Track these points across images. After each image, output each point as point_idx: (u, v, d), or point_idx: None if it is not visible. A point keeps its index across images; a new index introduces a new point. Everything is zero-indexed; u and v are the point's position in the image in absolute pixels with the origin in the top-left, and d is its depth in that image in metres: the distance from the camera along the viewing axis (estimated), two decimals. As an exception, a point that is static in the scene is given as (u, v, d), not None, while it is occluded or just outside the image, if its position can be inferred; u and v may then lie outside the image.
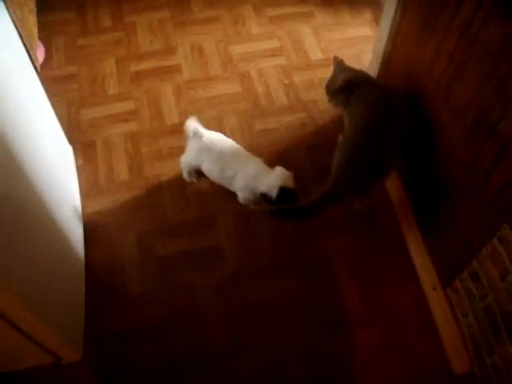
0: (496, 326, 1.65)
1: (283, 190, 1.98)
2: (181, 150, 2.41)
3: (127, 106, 2.63)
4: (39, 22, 2.87)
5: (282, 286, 2.09)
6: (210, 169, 2.16)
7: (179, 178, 2.36)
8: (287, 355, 1.94)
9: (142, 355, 1.94)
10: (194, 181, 2.33)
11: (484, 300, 1.71)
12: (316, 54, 2.80)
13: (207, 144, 2.13)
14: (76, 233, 2.12)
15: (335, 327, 2.01)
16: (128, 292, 2.08)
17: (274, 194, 1.98)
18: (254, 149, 2.39)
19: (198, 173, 2.30)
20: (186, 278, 2.11)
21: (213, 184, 2.30)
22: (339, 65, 2.17)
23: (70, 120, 2.58)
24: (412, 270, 2.12)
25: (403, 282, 2.11)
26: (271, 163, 2.27)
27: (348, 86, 2.05)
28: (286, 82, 2.69)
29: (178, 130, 2.50)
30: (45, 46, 2.86)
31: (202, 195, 2.32)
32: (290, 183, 2.01)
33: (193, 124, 2.17)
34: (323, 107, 2.56)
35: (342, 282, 2.10)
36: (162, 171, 2.39)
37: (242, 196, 2.17)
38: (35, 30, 2.75)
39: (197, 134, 2.14)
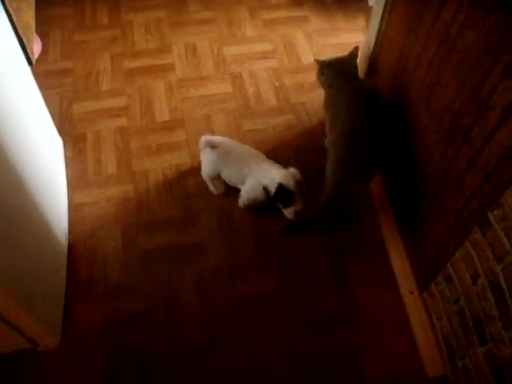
0: (467, 328, 1.67)
1: (280, 188, 1.99)
2: (170, 146, 2.48)
3: (119, 101, 2.66)
4: (38, 17, 2.91)
5: (262, 283, 2.12)
6: (230, 172, 2.17)
7: (166, 174, 2.39)
8: (268, 351, 1.97)
9: (120, 346, 1.97)
10: (222, 192, 2.32)
11: (457, 303, 1.73)
12: (308, 58, 2.83)
13: (223, 150, 2.14)
14: (61, 223, 2.15)
15: (312, 327, 2.02)
16: (109, 283, 2.11)
17: (272, 189, 2.00)
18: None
19: (191, 172, 2.37)
20: (168, 273, 2.13)
21: (198, 181, 2.34)
22: (351, 52, 2.17)
23: (62, 113, 2.61)
24: (391, 274, 2.14)
25: (382, 285, 2.12)
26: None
27: (322, 67, 2.14)
28: (276, 84, 2.73)
29: (168, 126, 2.55)
30: (42, 40, 2.91)
31: (187, 192, 2.34)
32: (290, 183, 1.99)
33: (205, 138, 2.18)
34: (312, 110, 2.59)
35: (322, 283, 2.12)
36: (150, 167, 2.42)
37: (246, 196, 2.18)
38: (33, 24, 2.78)
39: (210, 144, 2.14)
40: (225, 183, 2.28)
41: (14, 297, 1.59)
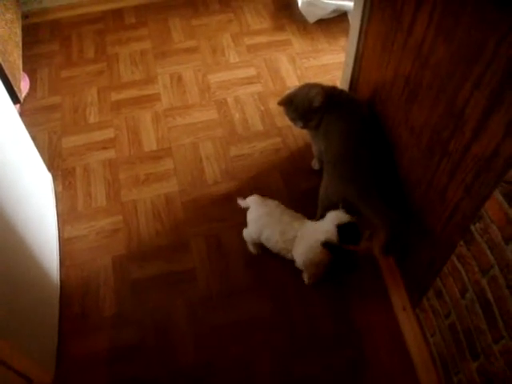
0: (459, 343, 1.65)
1: (340, 228, 1.87)
2: (158, 175, 2.49)
3: (107, 133, 2.69)
4: (25, 55, 2.96)
5: (254, 307, 2.11)
6: (270, 235, 2.06)
7: (155, 203, 2.40)
8: (262, 375, 1.95)
9: (114, 378, 1.95)
10: (260, 252, 2.22)
11: (448, 318, 1.72)
12: (292, 81, 2.86)
13: (266, 210, 2.06)
14: (52, 257, 2.16)
15: (307, 349, 2.01)
16: (102, 315, 2.10)
17: (334, 237, 1.88)
18: (229, 174, 2.46)
19: (179, 200, 2.35)
20: (160, 301, 2.13)
21: (187, 209, 2.36)
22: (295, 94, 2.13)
23: (52, 148, 2.64)
24: (383, 291, 2.13)
25: (374, 303, 2.12)
26: (246, 188, 2.33)
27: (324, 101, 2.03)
28: (262, 108, 2.75)
29: (156, 156, 2.57)
30: (30, 78, 2.94)
31: (176, 220, 2.35)
32: (345, 218, 1.89)
33: (250, 198, 2.11)
34: (298, 132, 2.60)
35: (313, 303, 2.11)
36: (139, 197, 2.43)
37: (303, 259, 2.04)
38: (19, 63, 2.82)
39: (254, 204, 2.08)
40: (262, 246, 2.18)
41: (4, 335, 1.58)
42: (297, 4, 3.16)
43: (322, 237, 1.91)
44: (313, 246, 1.96)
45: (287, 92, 2.17)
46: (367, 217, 1.96)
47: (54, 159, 2.59)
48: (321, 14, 3.09)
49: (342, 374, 1.95)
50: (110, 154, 2.61)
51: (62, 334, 2.05)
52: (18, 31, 2.96)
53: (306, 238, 1.98)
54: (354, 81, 2.32)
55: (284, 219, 2.03)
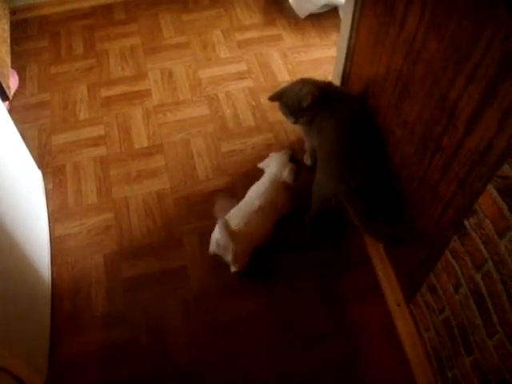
0: (453, 338, 1.65)
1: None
2: (149, 172, 2.48)
3: (97, 130, 2.66)
4: (13, 52, 2.93)
5: (247, 304, 2.10)
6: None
7: (147, 200, 2.38)
8: (256, 373, 1.95)
9: (107, 377, 1.94)
10: None
11: (442, 313, 1.71)
12: (283, 76, 2.85)
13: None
14: (43, 257, 2.13)
15: (301, 345, 2.00)
16: (94, 314, 2.08)
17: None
18: (221, 170, 2.45)
19: (171, 197, 2.37)
20: (152, 299, 2.12)
21: (179, 205, 2.35)
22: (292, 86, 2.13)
23: (41, 146, 2.61)
24: (377, 286, 2.13)
25: (368, 298, 2.11)
26: (238, 184, 2.31)
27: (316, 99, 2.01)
28: (253, 103, 2.73)
29: (147, 153, 2.55)
30: (19, 75, 2.91)
31: (168, 217, 2.33)
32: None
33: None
34: (289, 127, 2.59)
35: (306, 299, 2.11)
36: (131, 194, 2.41)
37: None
38: (8, 59, 2.79)
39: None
40: None
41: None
42: (287, -2, 3.15)
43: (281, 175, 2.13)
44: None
45: (281, 86, 2.15)
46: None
47: (44, 157, 2.57)
48: (311, 8, 3.07)
49: (336, 369, 1.95)
50: (101, 150, 2.58)
51: (53, 333, 2.03)
52: (6, 27, 2.93)
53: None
54: (345, 76, 2.31)
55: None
